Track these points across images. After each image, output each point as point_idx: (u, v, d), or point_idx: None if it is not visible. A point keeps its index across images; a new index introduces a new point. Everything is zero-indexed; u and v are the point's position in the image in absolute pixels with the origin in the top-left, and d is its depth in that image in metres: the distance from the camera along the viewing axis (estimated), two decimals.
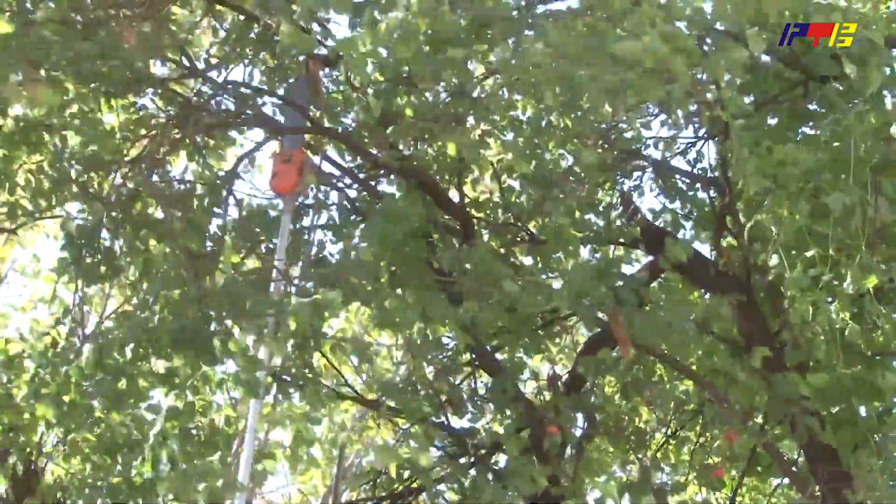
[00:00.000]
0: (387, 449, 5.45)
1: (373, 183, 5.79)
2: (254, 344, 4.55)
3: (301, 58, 5.56)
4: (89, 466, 4.94)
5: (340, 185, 5.70)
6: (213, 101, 5.43)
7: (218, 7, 5.71)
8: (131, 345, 4.64)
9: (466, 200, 6.04)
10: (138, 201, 5.07)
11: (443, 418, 5.92)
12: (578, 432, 5.88)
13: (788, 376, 4.83)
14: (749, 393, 5.45)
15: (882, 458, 4.83)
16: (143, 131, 5.29)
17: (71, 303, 5.50)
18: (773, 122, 5.57)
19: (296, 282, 4.81)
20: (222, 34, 5.81)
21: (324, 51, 5.50)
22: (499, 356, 6.05)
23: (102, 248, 4.96)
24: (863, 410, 4.85)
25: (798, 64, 5.33)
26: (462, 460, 5.51)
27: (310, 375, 5.39)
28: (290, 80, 5.53)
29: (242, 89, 5.42)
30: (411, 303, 4.95)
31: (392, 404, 5.71)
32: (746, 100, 4.99)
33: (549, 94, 4.77)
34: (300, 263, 5.17)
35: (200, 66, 5.74)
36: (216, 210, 5.25)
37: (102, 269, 5.06)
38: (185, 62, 5.45)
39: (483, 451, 5.63)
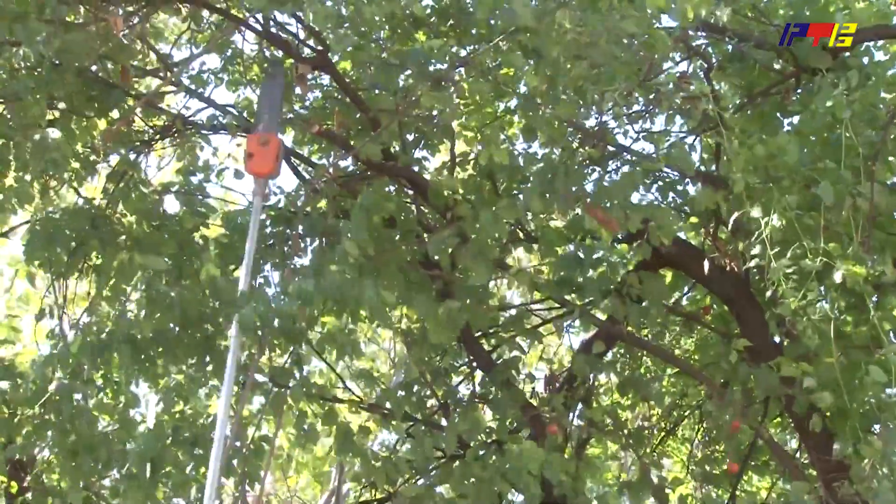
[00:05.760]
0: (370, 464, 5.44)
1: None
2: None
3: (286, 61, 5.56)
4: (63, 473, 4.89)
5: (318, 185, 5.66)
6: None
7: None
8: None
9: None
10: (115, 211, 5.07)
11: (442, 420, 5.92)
12: (577, 431, 5.85)
13: (777, 362, 4.79)
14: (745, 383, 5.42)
15: (883, 448, 4.76)
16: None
17: (49, 302, 5.48)
18: (763, 114, 5.54)
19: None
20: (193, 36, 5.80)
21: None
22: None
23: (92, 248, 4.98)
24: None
25: (789, 55, 5.30)
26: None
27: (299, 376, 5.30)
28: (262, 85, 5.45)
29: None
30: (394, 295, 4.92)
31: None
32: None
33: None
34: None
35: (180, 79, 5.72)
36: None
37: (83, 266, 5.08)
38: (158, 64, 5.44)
39: (482, 452, 5.61)
